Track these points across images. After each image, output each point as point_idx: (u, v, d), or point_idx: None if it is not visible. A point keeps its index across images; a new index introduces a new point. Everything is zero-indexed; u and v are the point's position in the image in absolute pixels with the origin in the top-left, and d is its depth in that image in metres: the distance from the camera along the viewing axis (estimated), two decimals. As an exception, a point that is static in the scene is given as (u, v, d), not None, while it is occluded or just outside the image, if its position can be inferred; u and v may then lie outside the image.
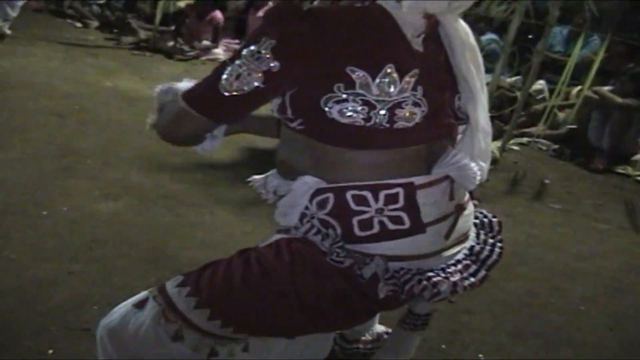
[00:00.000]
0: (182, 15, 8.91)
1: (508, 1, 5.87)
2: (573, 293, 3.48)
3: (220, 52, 8.46)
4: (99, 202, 3.79)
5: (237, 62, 1.50)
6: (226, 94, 1.50)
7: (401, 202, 1.55)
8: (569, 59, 6.59)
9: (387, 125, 1.49)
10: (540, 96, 7.14)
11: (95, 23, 9.16)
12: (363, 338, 2.58)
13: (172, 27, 8.77)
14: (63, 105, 5.40)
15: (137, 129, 5.08)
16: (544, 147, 6.41)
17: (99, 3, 9.69)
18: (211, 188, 4.17)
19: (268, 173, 1.84)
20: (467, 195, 1.72)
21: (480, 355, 2.86)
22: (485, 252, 1.70)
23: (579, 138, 6.40)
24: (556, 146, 6.45)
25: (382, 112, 1.48)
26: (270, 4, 8.29)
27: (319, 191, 1.58)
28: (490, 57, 6.64)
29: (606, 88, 6.41)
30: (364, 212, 1.55)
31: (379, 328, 2.63)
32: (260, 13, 8.37)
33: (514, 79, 7.33)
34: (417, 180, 1.56)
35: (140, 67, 7.28)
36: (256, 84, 1.48)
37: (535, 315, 3.22)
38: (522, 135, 6.47)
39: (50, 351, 2.56)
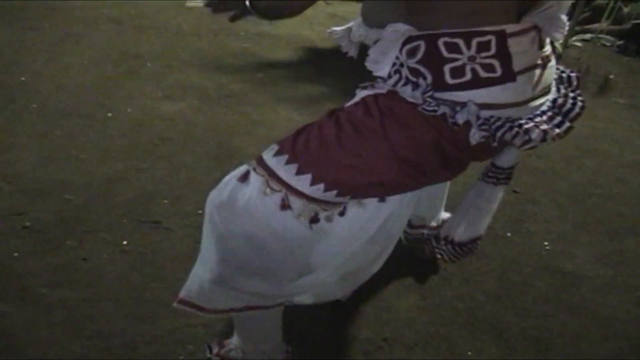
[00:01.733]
0: None
1: None
2: (637, 184, 3.44)
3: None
4: (161, 103, 3.84)
5: None
6: None
7: (493, 50, 1.54)
8: (635, -49, 6.34)
9: None
10: (605, -10, 6.92)
11: None
12: (428, 225, 2.62)
13: None
14: (119, 11, 5.40)
15: (194, 33, 5.07)
16: (608, 43, 6.22)
17: None
18: (272, 87, 4.18)
19: (349, 24, 1.82)
20: (550, 48, 1.70)
21: (545, 243, 2.87)
22: (568, 105, 1.70)
23: (644, 33, 6.21)
24: (621, 42, 6.25)
25: None
26: None
27: (410, 39, 1.57)
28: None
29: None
30: (456, 60, 1.54)
31: (444, 215, 2.65)
32: None
33: (576, -27, 7.11)
34: (509, 28, 1.55)
35: (194, -27, 7.21)
36: None
37: (599, 205, 3.20)
38: (585, 31, 6.29)
39: (125, 242, 2.65)
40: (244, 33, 5.07)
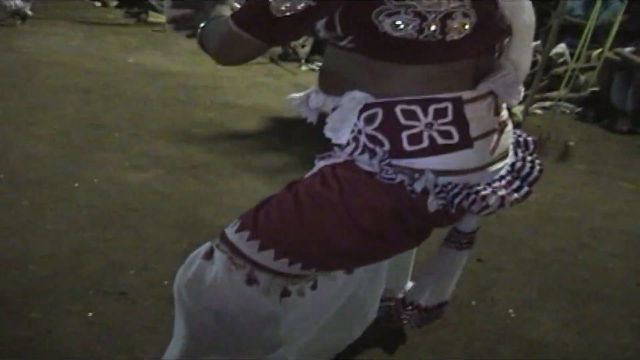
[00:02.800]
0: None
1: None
2: (601, 250, 3.49)
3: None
4: (128, 173, 3.86)
5: None
6: (278, 15, 1.46)
7: (450, 117, 1.55)
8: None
9: (440, 37, 1.48)
10: (562, 59, 7.08)
11: (114, 2, 9.16)
12: (395, 296, 2.63)
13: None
14: (88, 81, 5.46)
15: (161, 103, 5.14)
16: (567, 110, 6.37)
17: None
18: (238, 157, 4.22)
19: (308, 90, 1.83)
20: (507, 112, 1.72)
21: (510, 310, 2.89)
22: (527, 169, 1.71)
23: (602, 100, 6.35)
24: (579, 109, 6.41)
25: (434, 23, 1.47)
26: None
27: (367, 106, 1.57)
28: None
29: (627, 49, 6.36)
30: (414, 127, 1.55)
31: (411, 285, 2.67)
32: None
33: (534, 43, 7.25)
34: (465, 94, 1.57)
35: (162, 43, 7.31)
36: (308, 1, 1.44)
37: (563, 271, 3.24)
38: (545, 99, 6.44)
39: (90, 314, 2.63)
40: (210, 102, 5.14)
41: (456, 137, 1.57)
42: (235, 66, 1.73)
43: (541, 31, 6.70)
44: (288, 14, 1.45)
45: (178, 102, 5.16)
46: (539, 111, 6.13)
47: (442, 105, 1.55)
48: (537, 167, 1.74)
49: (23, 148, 4.04)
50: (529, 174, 1.71)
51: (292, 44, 7.06)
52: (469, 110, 1.58)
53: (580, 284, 3.14)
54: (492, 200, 1.60)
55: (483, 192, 1.60)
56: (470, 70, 1.60)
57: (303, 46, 7.20)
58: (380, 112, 1.57)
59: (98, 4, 9.13)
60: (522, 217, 3.70)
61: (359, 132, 1.60)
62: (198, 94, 5.46)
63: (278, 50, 7.07)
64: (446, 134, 1.56)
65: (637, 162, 5.13)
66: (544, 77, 6.43)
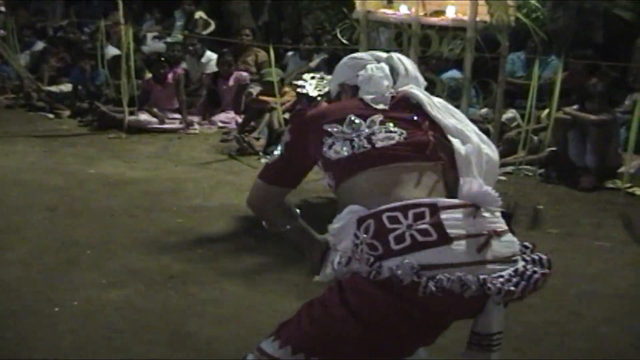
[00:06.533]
0: (145, 92, 8.59)
1: (457, 40, 5.83)
2: (591, 316, 3.50)
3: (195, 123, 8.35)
4: (107, 291, 3.81)
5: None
6: (270, 163, 2.17)
7: (427, 219, 1.85)
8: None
9: (368, 145, 1.98)
10: (514, 124, 7.20)
11: (66, 112, 9.13)
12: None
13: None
14: (52, 198, 5.41)
15: (128, 213, 5.12)
16: (530, 173, 6.44)
17: (65, 92, 9.67)
18: (213, 262, 4.21)
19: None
20: (503, 225, 1.93)
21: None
22: (528, 272, 1.88)
23: (561, 159, 6.43)
24: (541, 170, 6.48)
25: (360, 139, 2.00)
26: (242, 73, 8.73)
27: (362, 219, 1.90)
28: (455, 94, 6.54)
29: (574, 107, 6.46)
30: (397, 229, 1.85)
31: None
32: (231, 82, 8.61)
33: (484, 110, 7.32)
34: (441, 202, 1.90)
35: (119, 150, 7.28)
36: (281, 152, 2.14)
37: (558, 344, 3.24)
38: (505, 164, 6.48)
39: None
40: (176, 208, 5.14)
41: (434, 235, 1.84)
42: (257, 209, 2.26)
43: (487, 100, 6.80)
44: (273, 161, 2.16)
45: (144, 211, 5.13)
46: (502, 177, 6.18)
47: (420, 210, 1.87)
48: (540, 272, 1.89)
49: (-3, 276, 3.96)
50: (531, 276, 1.87)
51: (246, 137, 7.27)
52: (446, 215, 1.87)
53: (577, 355, 3.13)
54: (470, 280, 1.79)
55: (461, 275, 1.80)
56: (438, 181, 1.98)
57: (257, 139, 7.30)
58: (372, 222, 1.89)
59: (51, 115, 9.08)
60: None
61: (361, 242, 1.88)
62: (163, 200, 5.44)
63: (235, 145, 7.19)
64: (425, 232, 1.84)
65: (608, 219, 5.19)
66: (499, 143, 6.50)
